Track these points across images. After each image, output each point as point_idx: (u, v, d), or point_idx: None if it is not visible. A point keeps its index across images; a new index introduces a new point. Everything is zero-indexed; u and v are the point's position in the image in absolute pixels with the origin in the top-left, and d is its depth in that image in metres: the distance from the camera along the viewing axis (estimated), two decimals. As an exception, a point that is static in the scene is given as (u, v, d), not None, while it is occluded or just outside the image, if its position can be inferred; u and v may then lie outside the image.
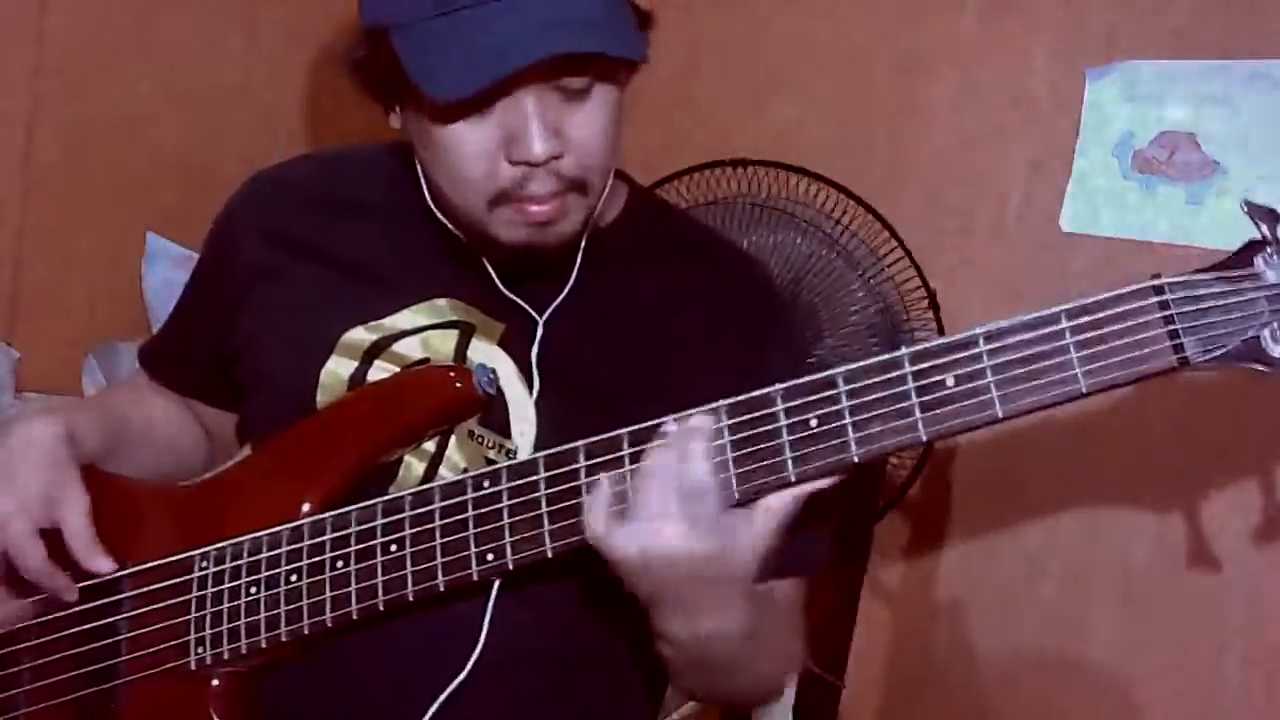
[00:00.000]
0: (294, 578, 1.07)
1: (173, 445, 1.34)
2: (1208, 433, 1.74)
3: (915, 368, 0.92)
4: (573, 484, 1.00)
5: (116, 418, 1.26)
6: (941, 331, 1.79)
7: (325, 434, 1.13)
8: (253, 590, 1.09)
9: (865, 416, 0.93)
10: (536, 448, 1.09)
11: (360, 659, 1.10)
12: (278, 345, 1.20)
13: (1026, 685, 1.89)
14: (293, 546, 1.08)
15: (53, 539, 1.13)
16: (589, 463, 1.00)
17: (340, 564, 1.06)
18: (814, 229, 1.84)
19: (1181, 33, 1.76)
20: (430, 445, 1.13)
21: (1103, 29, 1.81)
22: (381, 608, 1.05)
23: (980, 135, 1.91)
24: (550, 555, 1.01)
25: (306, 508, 1.10)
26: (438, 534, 1.04)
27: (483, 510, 1.03)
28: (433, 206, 1.16)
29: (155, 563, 1.13)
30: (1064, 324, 0.89)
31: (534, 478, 1.01)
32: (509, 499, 1.02)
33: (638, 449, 0.98)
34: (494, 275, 1.16)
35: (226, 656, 1.09)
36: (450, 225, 1.15)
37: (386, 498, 1.07)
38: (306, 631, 1.07)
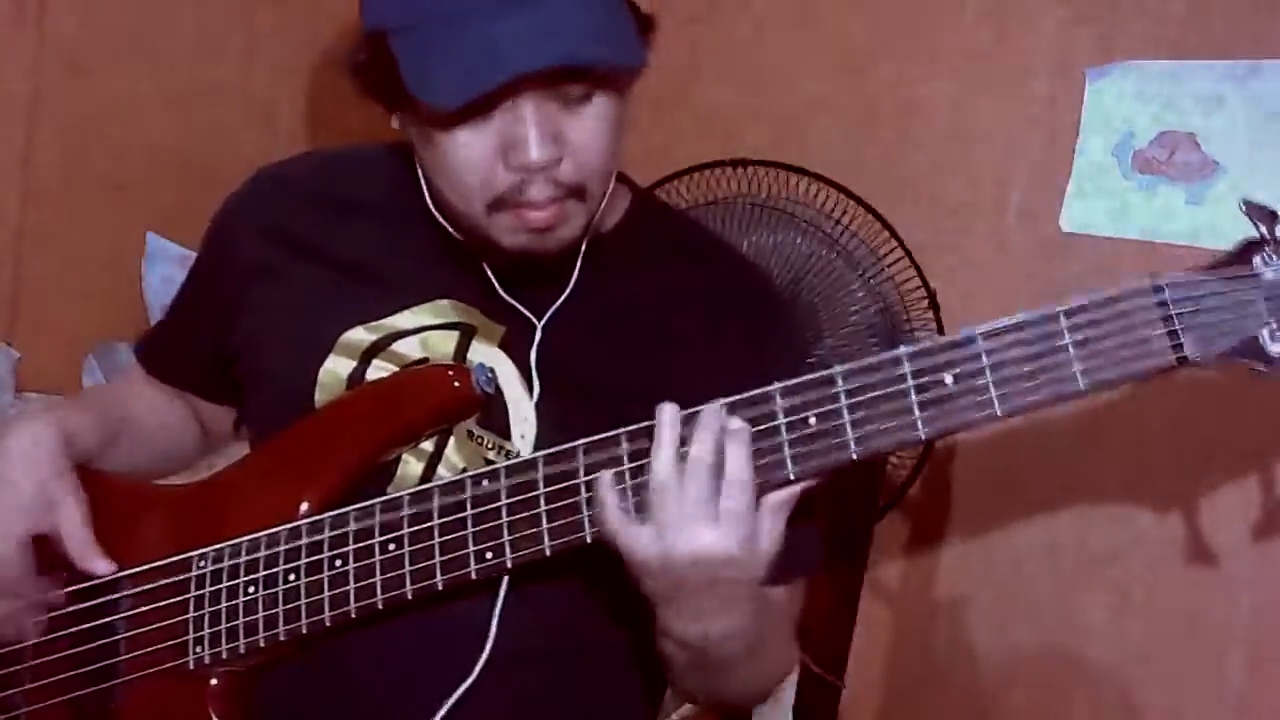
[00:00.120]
0: (292, 577, 1.07)
1: (168, 440, 1.34)
2: (1208, 433, 1.73)
3: (914, 366, 0.93)
4: (571, 482, 1.00)
5: (114, 414, 1.26)
6: (941, 331, 1.79)
7: (323, 433, 1.13)
8: (251, 590, 1.09)
9: (864, 415, 0.93)
10: (537, 449, 1.09)
11: (360, 659, 1.10)
12: (277, 345, 1.19)
13: (1026, 685, 1.89)
14: (291, 546, 1.08)
15: (51, 542, 1.13)
16: (587, 460, 1.00)
17: (338, 563, 1.06)
18: (814, 229, 1.83)
19: (1181, 33, 1.76)
20: (428, 446, 1.13)
21: (1103, 29, 1.81)
22: (380, 606, 1.05)
23: (980, 135, 1.91)
24: (549, 554, 1.01)
25: (305, 507, 1.10)
26: (436, 533, 1.04)
27: (481, 509, 1.03)
28: (433, 208, 1.16)
29: (154, 563, 1.13)
30: (1062, 323, 0.90)
31: (532, 476, 1.02)
32: (507, 498, 1.02)
33: (635, 447, 0.98)
34: (493, 279, 1.16)
35: (225, 656, 1.09)
36: (450, 228, 1.15)
37: (385, 497, 1.07)
38: (305, 631, 1.07)
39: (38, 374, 1.90)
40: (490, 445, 1.12)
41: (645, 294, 1.19)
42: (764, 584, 1.01)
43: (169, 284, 1.95)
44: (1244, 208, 0.88)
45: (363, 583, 1.05)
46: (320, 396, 1.15)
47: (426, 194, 1.15)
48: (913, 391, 0.92)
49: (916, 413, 0.92)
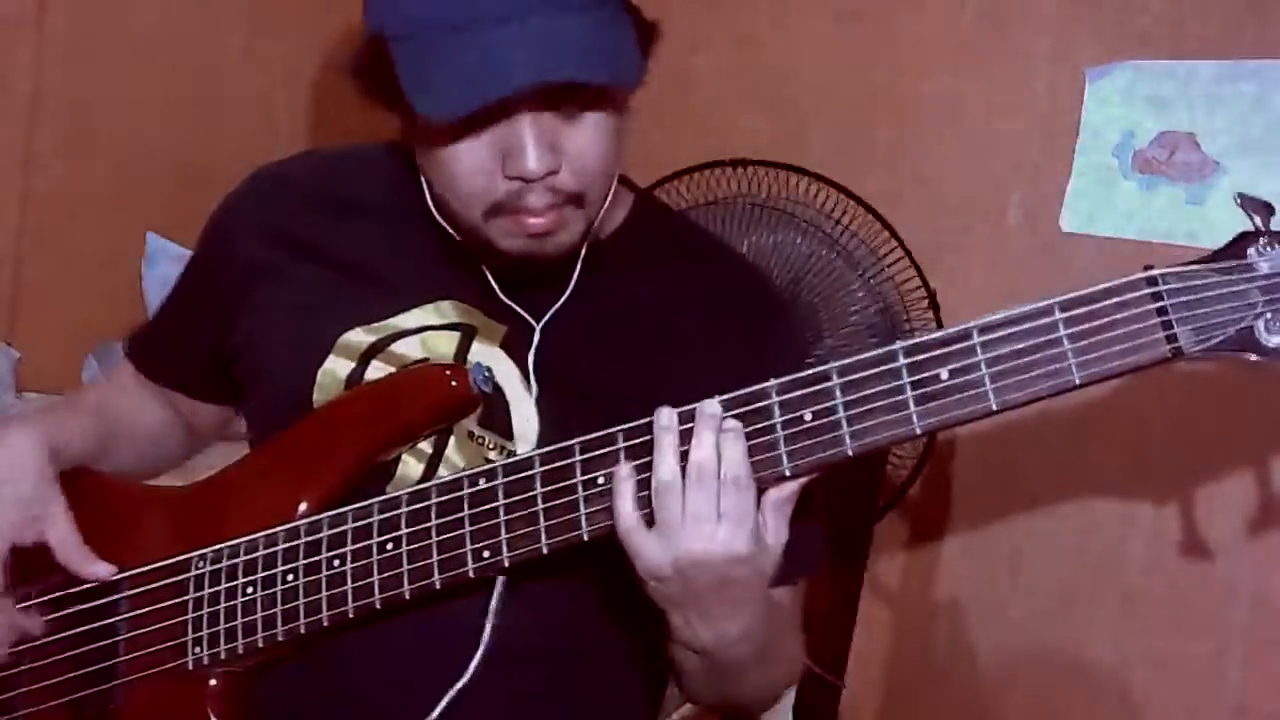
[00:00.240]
0: (291, 577, 1.07)
1: (156, 440, 1.34)
2: (1207, 430, 1.74)
3: (909, 360, 0.93)
4: (568, 481, 1.00)
5: (104, 416, 1.26)
6: (941, 331, 1.79)
7: (322, 434, 1.13)
8: (250, 590, 1.08)
9: (860, 410, 0.93)
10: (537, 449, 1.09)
11: (359, 659, 1.10)
12: (276, 345, 1.19)
13: (1026, 685, 1.89)
14: (289, 546, 1.08)
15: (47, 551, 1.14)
16: (584, 458, 1.00)
17: (337, 563, 1.06)
18: (814, 229, 1.84)
19: (1182, 33, 1.77)
20: (427, 446, 1.13)
21: (1102, 29, 1.82)
22: (379, 606, 1.05)
23: (980, 135, 1.91)
24: (545, 552, 1.01)
25: (303, 507, 1.09)
26: (434, 532, 1.04)
27: (478, 508, 1.03)
28: (433, 209, 1.15)
29: (153, 564, 1.13)
30: (1057, 315, 0.89)
31: (529, 475, 1.02)
32: (504, 496, 1.02)
33: (632, 444, 0.98)
34: (492, 280, 1.16)
35: (224, 656, 1.09)
36: (450, 229, 1.15)
37: (383, 497, 1.07)
38: (303, 631, 1.07)
39: (38, 374, 1.91)
40: (491, 445, 1.12)
41: (645, 295, 1.18)
42: (770, 585, 1.01)
43: (169, 284, 1.93)
44: (1238, 200, 0.88)
45: (360, 582, 1.05)
46: (319, 397, 1.15)
47: (427, 194, 1.15)
48: (908, 386, 0.92)
49: (912, 407, 0.92)
